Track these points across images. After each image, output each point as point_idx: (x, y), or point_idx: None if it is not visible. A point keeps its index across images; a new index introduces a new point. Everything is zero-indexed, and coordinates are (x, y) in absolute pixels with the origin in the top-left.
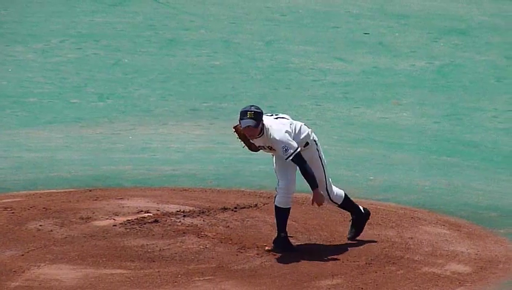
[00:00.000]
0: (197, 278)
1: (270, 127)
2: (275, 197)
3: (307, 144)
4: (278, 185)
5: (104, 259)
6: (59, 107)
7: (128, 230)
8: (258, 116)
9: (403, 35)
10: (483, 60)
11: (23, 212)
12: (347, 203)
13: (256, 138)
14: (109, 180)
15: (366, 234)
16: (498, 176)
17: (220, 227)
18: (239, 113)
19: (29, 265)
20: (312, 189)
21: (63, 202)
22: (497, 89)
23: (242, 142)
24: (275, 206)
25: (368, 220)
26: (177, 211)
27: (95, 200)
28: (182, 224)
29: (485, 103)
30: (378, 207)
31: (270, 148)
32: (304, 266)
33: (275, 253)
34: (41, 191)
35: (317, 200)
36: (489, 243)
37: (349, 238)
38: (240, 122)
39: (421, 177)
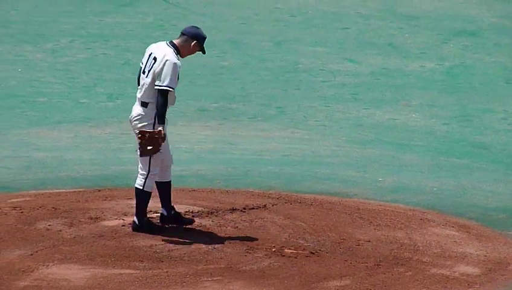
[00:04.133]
0: (205, 279)
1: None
2: (145, 180)
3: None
4: (148, 169)
5: (113, 259)
6: (68, 107)
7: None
8: None
9: (412, 36)
10: (493, 62)
11: (32, 212)
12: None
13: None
14: (118, 180)
15: (374, 235)
16: (507, 177)
17: (229, 228)
18: (199, 34)
19: (38, 265)
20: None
21: (72, 202)
22: (506, 91)
23: (143, 146)
24: (144, 191)
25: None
26: (186, 212)
27: (104, 200)
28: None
29: (494, 104)
30: (387, 208)
31: None
32: (312, 267)
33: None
34: (50, 191)
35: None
36: (499, 244)
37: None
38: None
39: (430, 178)
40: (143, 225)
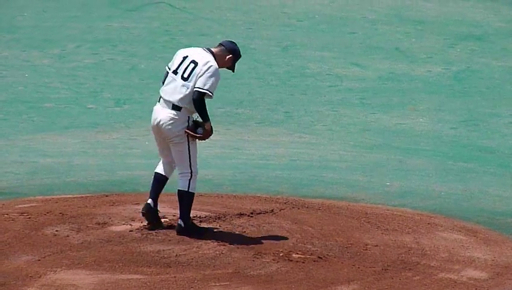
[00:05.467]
0: (213, 284)
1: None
2: (189, 181)
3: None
4: (190, 170)
5: (121, 264)
6: (75, 113)
7: (144, 235)
8: None
9: (419, 40)
10: (499, 66)
11: (40, 217)
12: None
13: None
14: (125, 186)
15: (382, 239)
16: None
17: (236, 233)
18: (236, 50)
19: (46, 270)
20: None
21: (79, 207)
22: None
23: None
24: (189, 192)
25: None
26: (194, 217)
27: (112, 205)
28: None
29: (501, 108)
30: (395, 213)
31: None
32: (320, 271)
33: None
34: (58, 197)
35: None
36: (506, 249)
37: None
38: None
39: (438, 183)
40: (189, 227)
